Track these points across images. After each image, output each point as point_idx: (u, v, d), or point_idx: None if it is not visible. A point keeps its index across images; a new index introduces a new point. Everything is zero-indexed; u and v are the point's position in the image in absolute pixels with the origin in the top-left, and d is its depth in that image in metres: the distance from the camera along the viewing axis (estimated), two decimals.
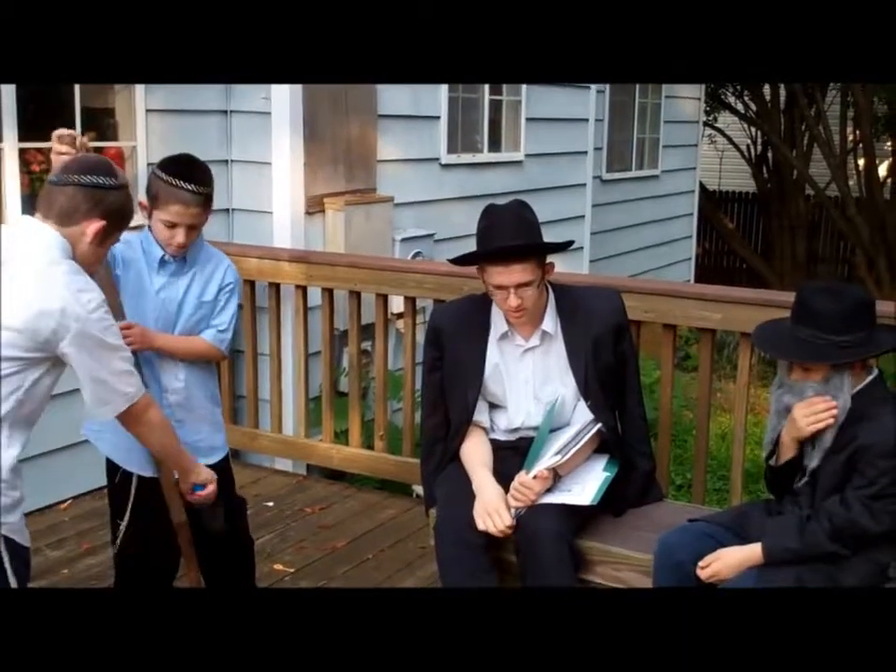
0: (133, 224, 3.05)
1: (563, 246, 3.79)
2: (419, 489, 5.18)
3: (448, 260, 3.92)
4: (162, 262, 3.61)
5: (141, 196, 3.70)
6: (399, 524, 5.40)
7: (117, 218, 2.88)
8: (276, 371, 5.97)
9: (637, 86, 11.24)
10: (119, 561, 3.81)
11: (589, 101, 9.48)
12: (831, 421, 3.24)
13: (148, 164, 5.65)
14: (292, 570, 4.85)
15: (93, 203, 2.81)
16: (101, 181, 2.83)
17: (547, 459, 3.61)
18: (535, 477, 3.60)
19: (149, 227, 3.62)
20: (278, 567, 4.87)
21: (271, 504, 5.63)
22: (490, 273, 3.64)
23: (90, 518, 5.31)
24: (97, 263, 2.95)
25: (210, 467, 3.50)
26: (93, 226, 2.81)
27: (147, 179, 3.60)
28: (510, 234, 3.61)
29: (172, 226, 3.52)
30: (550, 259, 3.72)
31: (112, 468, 3.72)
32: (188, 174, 3.51)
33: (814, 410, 3.26)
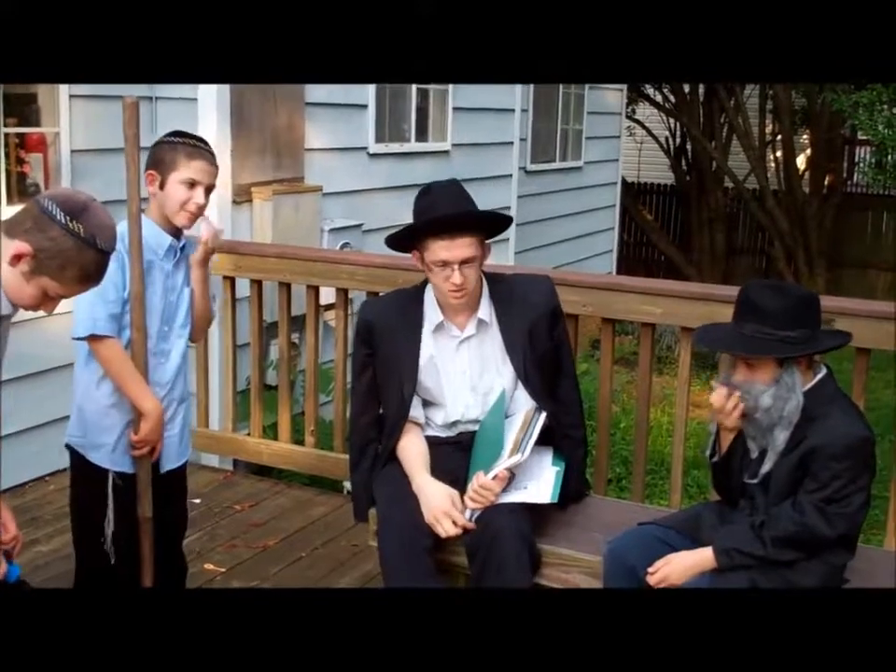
0: None
1: (508, 220, 3.78)
2: (350, 485, 5.07)
3: (386, 240, 3.77)
4: (169, 250, 3.52)
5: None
6: (330, 521, 5.30)
7: (49, 258, 2.61)
8: (203, 363, 5.81)
9: None
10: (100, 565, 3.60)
11: (515, 90, 9.43)
12: (739, 409, 3.23)
13: (72, 151, 5.49)
14: (223, 570, 4.73)
15: (33, 227, 2.62)
16: (54, 212, 2.62)
17: (506, 459, 3.51)
18: (494, 477, 3.51)
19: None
20: (208, 566, 4.75)
21: (198, 501, 5.48)
22: (433, 250, 3.54)
23: None
24: (20, 296, 2.67)
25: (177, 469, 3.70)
26: (18, 247, 2.60)
27: (154, 153, 3.49)
28: (453, 205, 3.55)
29: (192, 185, 3.45)
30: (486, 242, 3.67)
31: (98, 474, 3.53)
32: (201, 140, 3.55)
33: (718, 406, 3.25)
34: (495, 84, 8.40)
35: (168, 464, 3.64)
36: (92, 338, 3.40)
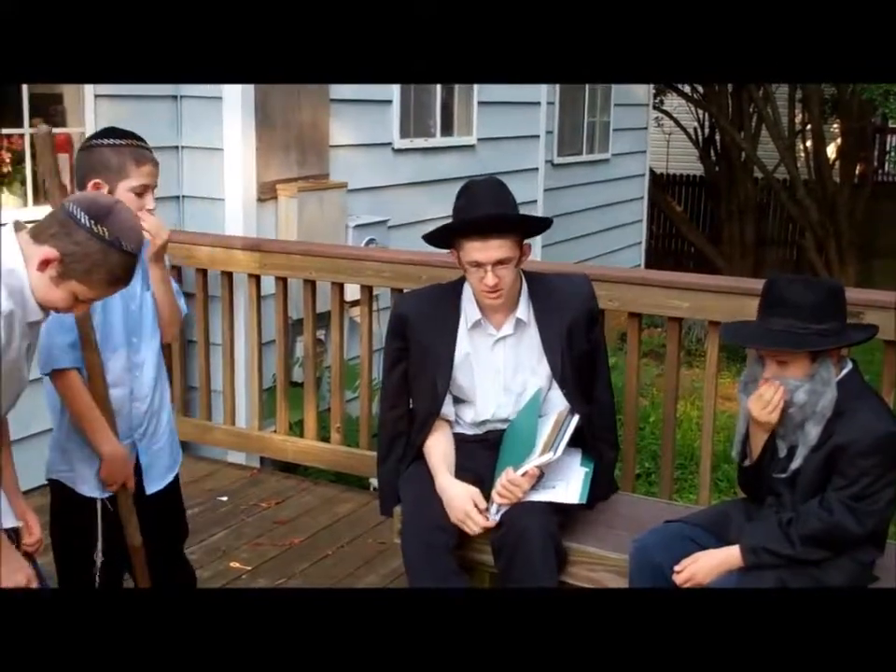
0: None
1: (543, 222, 3.73)
2: (376, 482, 5.07)
3: (423, 237, 3.72)
4: None
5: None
6: (356, 518, 5.28)
7: (75, 261, 2.61)
8: (229, 361, 5.83)
9: None
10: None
11: (540, 84, 9.37)
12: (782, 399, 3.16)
13: None
14: (249, 568, 4.72)
15: (59, 231, 2.61)
16: (79, 216, 2.61)
17: (538, 457, 3.49)
18: (524, 474, 3.49)
19: None
20: (234, 564, 4.75)
21: (225, 499, 5.50)
22: (467, 250, 3.52)
23: None
24: (50, 300, 2.67)
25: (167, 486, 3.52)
26: (45, 252, 2.60)
27: (93, 158, 3.23)
28: (489, 206, 3.52)
29: (143, 191, 3.26)
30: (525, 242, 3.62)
31: (87, 505, 3.37)
32: (139, 138, 3.32)
33: (767, 399, 3.18)
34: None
35: (159, 480, 3.49)
36: (53, 373, 3.23)
